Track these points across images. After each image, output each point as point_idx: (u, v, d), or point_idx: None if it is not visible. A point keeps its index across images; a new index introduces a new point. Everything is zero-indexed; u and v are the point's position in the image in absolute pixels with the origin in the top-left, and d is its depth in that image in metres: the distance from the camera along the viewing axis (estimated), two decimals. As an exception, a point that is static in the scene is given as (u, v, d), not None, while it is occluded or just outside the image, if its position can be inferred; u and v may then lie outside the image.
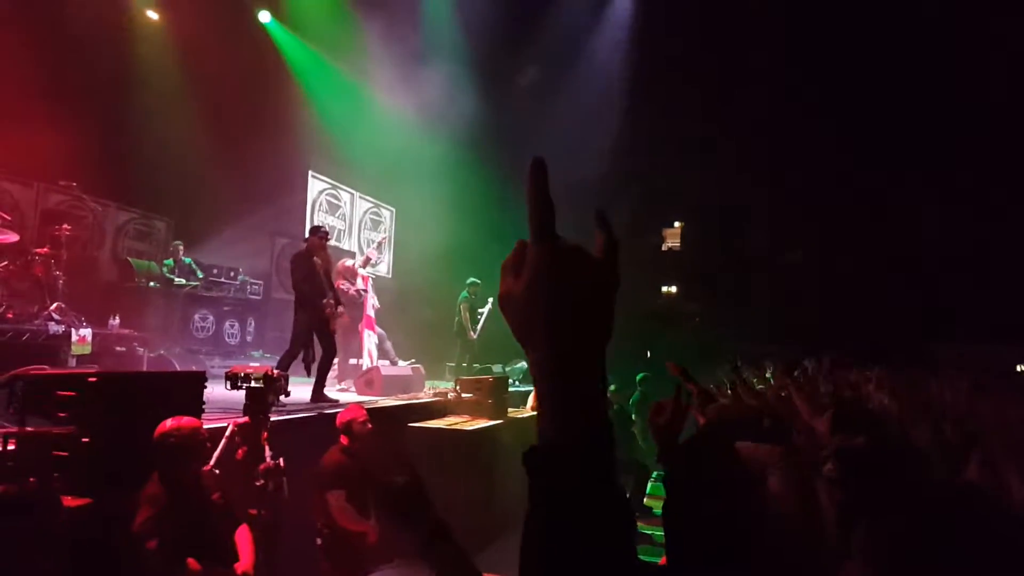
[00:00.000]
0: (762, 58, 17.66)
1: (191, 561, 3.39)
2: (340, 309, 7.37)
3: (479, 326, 11.48)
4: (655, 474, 7.29)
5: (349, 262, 9.86)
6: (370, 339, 9.45)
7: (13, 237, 7.52)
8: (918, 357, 12.80)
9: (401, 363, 9.77)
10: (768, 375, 7.34)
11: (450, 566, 1.44)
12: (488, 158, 16.14)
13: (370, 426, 4.96)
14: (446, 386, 9.58)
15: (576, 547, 0.68)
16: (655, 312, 20.62)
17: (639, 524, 8.84)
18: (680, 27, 17.24)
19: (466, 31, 14.65)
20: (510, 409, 8.81)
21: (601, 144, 18.89)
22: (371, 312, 9.52)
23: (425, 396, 8.85)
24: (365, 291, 9.51)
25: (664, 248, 23.00)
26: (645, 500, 9.33)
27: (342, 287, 9.41)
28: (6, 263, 7.32)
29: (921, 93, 17.39)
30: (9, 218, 7.67)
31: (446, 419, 7.60)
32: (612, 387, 9.42)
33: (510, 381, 10.41)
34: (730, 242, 21.84)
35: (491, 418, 7.85)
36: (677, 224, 22.94)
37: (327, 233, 7.59)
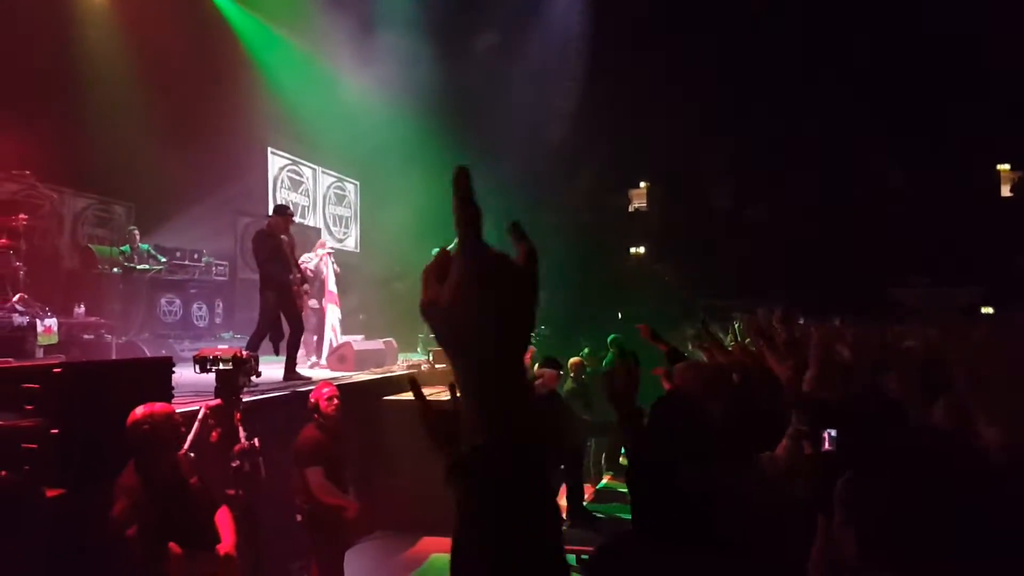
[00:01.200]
0: (722, 10, 17.65)
1: (173, 545, 3.41)
2: (305, 287, 7.34)
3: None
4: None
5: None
6: (333, 314, 9.44)
7: (-34, 231, 7.36)
8: (880, 305, 13.14)
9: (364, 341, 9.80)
10: (737, 328, 7.49)
11: (469, 494, 1.49)
12: (451, 125, 16.01)
13: (337, 402, 4.99)
14: (419, 358, 9.63)
15: (510, 545, 0.70)
16: (625, 273, 20.80)
17: (614, 483, 9.06)
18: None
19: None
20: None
21: (563, 107, 18.82)
22: (332, 288, 9.49)
23: (399, 369, 8.89)
24: (324, 265, 9.47)
25: (631, 209, 23.11)
26: (621, 459, 9.56)
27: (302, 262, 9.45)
28: (-39, 258, 7.16)
29: (881, 39, 17.55)
30: (-39, 212, 7.48)
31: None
32: (585, 350, 9.53)
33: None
34: (695, 200, 22.02)
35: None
36: (643, 184, 23.03)
37: (291, 212, 7.51)
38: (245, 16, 12.54)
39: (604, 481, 9.39)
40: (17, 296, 7.39)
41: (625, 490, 6.15)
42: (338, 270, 9.73)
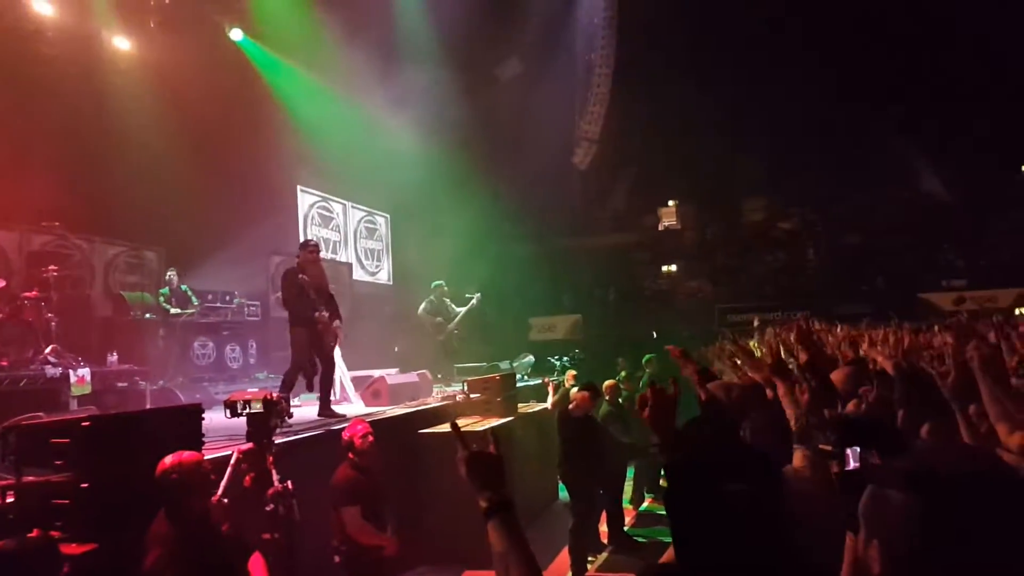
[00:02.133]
0: (748, 25, 17.53)
1: None
2: (337, 323, 7.24)
3: (456, 320, 11.52)
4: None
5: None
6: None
7: (1, 283, 7.43)
8: (911, 311, 12.76)
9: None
10: (760, 343, 7.22)
11: (508, 539, 1.54)
12: (478, 153, 16.07)
13: (372, 439, 4.89)
14: (454, 389, 9.49)
15: None
16: (658, 292, 20.55)
17: (655, 506, 8.79)
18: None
19: (440, 27, 14.50)
20: (520, 405, 8.72)
21: (590, 130, 18.81)
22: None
23: (433, 401, 8.76)
24: None
25: (661, 228, 22.90)
26: (662, 482, 9.28)
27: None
28: (-4, 311, 7.22)
29: (919, 45, 17.25)
30: (-6, 265, 7.57)
31: (457, 422, 7.48)
32: (622, 373, 9.32)
33: (518, 376, 10.32)
34: (726, 216, 21.77)
35: (501, 416, 7.77)
36: (672, 203, 22.84)
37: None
38: (270, 58, 12.72)
39: (645, 504, 9.13)
40: (49, 348, 7.44)
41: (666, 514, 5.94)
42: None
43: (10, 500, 3.64)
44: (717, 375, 3.46)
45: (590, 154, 19.33)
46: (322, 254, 7.66)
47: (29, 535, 2.97)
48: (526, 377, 12.28)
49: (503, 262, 16.81)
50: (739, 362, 3.71)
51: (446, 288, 11.90)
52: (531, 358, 13.56)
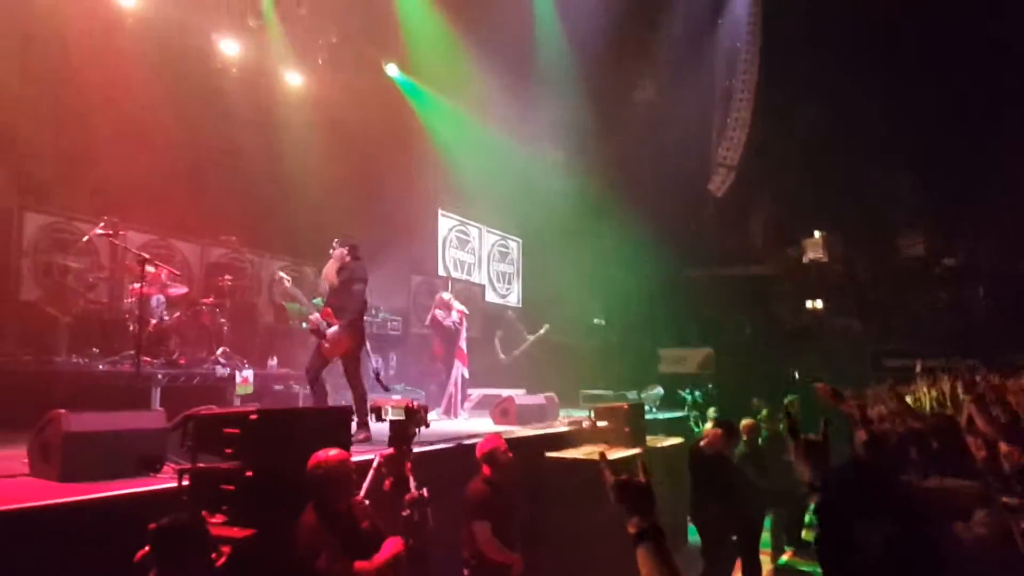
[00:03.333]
0: (898, 42, 16.57)
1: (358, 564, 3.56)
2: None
3: (525, 345, 11.49)
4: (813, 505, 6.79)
5: (446, 295, 10.19)
6: (457, 369, 9.62)
7: (183, 290, 8.37)
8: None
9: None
10: (927, 391, 6.77)
11: (658, 564, 1.53)
12: (610, 180, 16.15)
13: (511, 455, 5.00)
14: (581, 414, 9.55)
15: None
16: (800, 329, 19.58)
17: (796, 560, 8.31)
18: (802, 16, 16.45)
19: (577, 56, 14.79)
20: (648, 437, 8.61)
21: (728, 156, 18.36)
22: (463, 345, 9.69)
23: (560, 425, 8.85)
24: (459, 324, 9.73)
25: (805, 261, 21.86)
26: (803, 533, 8.79)
27: (438, 317, 9.74)
28: (178, 314, 8.13)
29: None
30: (179, 273, 8.53)
31: (582, 448, 7.55)
32: (763, 412, 8.99)
33: (646, 408, 10.21)
34: (879, 248, 20.41)
35: (628, 447, 7.70)
36: (817, 234, 21.75)
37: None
38: (420, 91, 13.53)
39: (785, 558, 8.58)
40: (221, 350, 8.25)
41: (808, 569, 5.60)
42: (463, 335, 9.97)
43: (185, 483, 4.10)
44: (873, 420, 3.37)
45: (728, 181, 18.86)
46: (454, 275, 7.91)
47: (180, 517, 3.29)
48: (655, 409, 12.11)
49: (632, 290, 16.70)
50: (893, 409, 3.55)
51: (511, 314, 11.98)
52: (660, 390, 13.36)
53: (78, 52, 8.57)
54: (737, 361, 17.00)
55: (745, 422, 7.73)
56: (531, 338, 11.75)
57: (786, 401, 9.62)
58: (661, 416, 11.18)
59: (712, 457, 6.54)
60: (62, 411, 4.44)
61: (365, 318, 10.92)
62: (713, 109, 18.32)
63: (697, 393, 12.33)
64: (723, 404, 11.47)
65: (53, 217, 8.30)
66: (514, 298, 17.58)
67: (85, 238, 7.88)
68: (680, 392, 12.82)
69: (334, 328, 6.90)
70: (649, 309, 17.05)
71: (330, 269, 7.17)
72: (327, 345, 6.88)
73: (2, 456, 5.04)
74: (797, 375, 15.33)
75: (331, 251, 7.22)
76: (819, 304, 20.67)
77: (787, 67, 17.23)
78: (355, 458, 4.08)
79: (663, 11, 15.91)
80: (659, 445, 8.61)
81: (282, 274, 7.45)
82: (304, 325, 9.95)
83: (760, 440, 7.79)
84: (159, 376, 7.26)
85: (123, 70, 9.00)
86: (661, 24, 16.16)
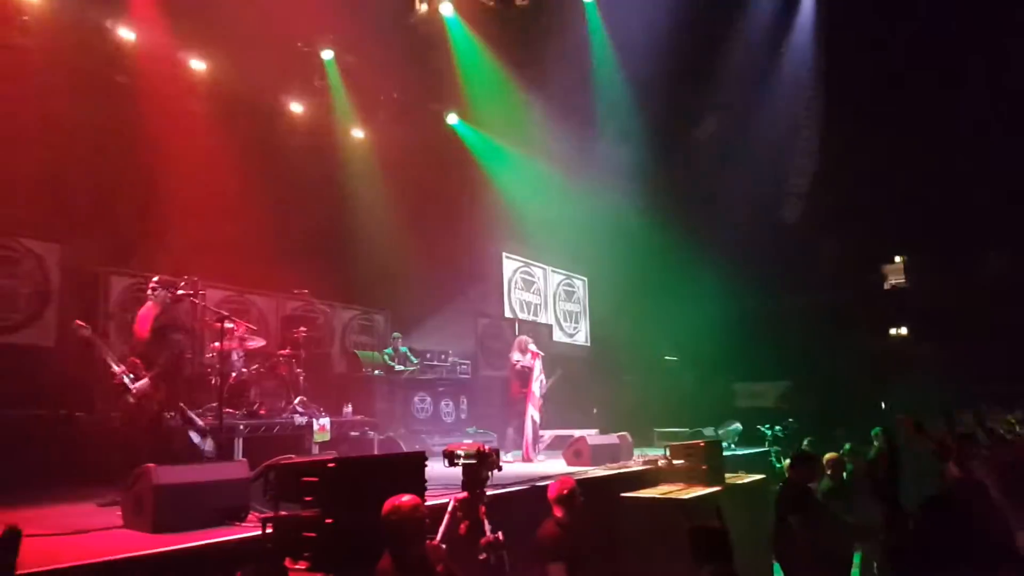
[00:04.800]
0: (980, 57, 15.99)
1: None
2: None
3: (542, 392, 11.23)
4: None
5: (524, 337, 10.29)
6: (529, 411, 9.58)
7: (261, 343, 8.68)
8: None
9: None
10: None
11: None
12: (675, 215, 16.03)
13: (578, 497, 4.96)
14: (656, 453, 9.38)
15: None
16: (884, 358, 18.75)
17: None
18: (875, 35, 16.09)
19: (637, 93, 14.86)
20: (728, 475, 8.38)
21: (799, 183, 17.99)
22: (536, 388, 9.66)
23: (635, 464, 8.72)
24: (530, 368, 9.71)
25: (887, 287, 21.02)
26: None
27: (514, 360, 9.80)
28: (257, 366, 8.42)
29: None
30: (256, 327, 8.87)
31: (659, 488, 7.40)
32: (847, 446, 8.67)
33: (724, 444, 9.96)
34: (965, 272, 19.47)
35: (707, 485, 7.50)
36: (898, 259, 20.93)
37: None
38: (480, 137, 13.86)
39: (874, 597, 8.19)
40: (298, 399, 8.49)
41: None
42: (543, 379, 9.93)
43: (269, 531, 4.21)
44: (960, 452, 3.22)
45: (799, 209, 18.46)
46: (521, 316, 7.90)
47: (263, 565, 3.37)
48: (733, 445, 11.79)
49: (703, 324, 16.39)
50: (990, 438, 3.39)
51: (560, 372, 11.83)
52: (738, 425, 12.99)
53: (154, 119, 9.12)
54: (818, 393, 16.41)
55: (829, 456, 7.48)
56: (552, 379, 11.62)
57: (873, 433, 9.25)
58: (740, 452, 10.87)
59: (797, 493, 6.32)
60: (151, 465, 4.65)
61: (434, 363, 11.24)
62: (779, 137, 18.07)
63: (777, 428, 11.92)
64: (805, 438, 11.06)
65: (135, 278, 8.74)
66: (582, 337, 17.50)
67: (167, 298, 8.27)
68: (759, 427, 12.42)
69: (143, 381, 6.05)
70: (723, 343, 16.67)
71: (146, 314, 6.29)
72: (132, 401, 6.01)
73: (99, 510, 5.29)
74: (883, 405, 14.65)
75: (149, 293, 6.36)
76: (903, 331, 19.80)
77: (856, 88, 16.87)
78: (429, 503, 4.12)
79: (723, 45, 15.88)
80: (739, 482, 8.39)
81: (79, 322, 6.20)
82: (377, 372, 10.20)
83: (845, 474, 7.50)
84: (241, 427, 7.51)
85: (197, 133, 9.59)
86: (721, 57, 16.12)
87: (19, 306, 7.85)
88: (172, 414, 6.45)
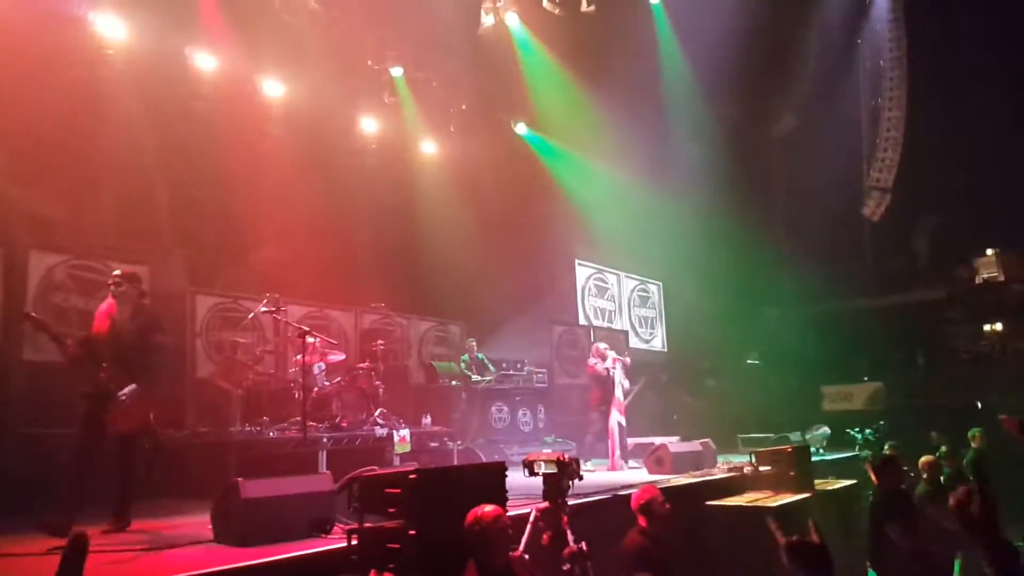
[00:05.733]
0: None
1: None
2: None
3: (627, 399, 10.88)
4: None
5: (602, 345, 10.10)
6: (614, 418, 9.40)
7: (341, 357, 8.88)
8: None
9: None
10: None
11: None
12: (752, 215, 15.62)
13: (668, 506, 4.87)
14: (741, 460, 9.10)
15: None
16: (979, 355, 17.72)
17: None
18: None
19: (709, 94, 14.58)
20: (817, 480, 8.07)
21: (880, 178, 17.24)
22: (619, 394, 9.49)
23: (719, 472, 8.48)
24: (611, 371, 9.55)
25: (978, 281, 19.89)
26: None
27: (593, 366, 9.70)
28: (338, 379, 8.62)
29: None
30: (336, 342, 9.08)
31: (745, 495, 7.18)
32: (942, 449, 8.24)
33: (812, 449, 9.60)
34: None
35: (795, 492, 7.24)
36: (990, 251, 19.78)
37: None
38: (549, 145, 13.87)
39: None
40: (378, 411, 8.63)
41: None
42: (626, 385, 9.74)
43: (354, 543, 4.26)
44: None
45: (883, 204, 17.67)
46: (595, 323, 7.79)
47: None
48: (821, 450, 11.35)
49: (785, 325, 15.87)
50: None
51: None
52: (826, 429, 12.50)
53: (233, 142, 9.48)
54: (910, 394, 15.63)
55: (924, 459, 7.19)
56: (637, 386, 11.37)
57: (969, 435, 8.77)
58: (829, 457, 10.45)
59: (890, 498, 6.04)
60: (240, 479, 4.78)
61: (511, 372, 11.24)
62: (860, 132, 17.41)
63: (868, 431, 11.41)
64: (897, 441, 10.56)
65: (221, 298, 9.13)
66: (658, 342, 17.22)
67: (251, 315, 8.60)
68: (848, 431, 11.92)
69: (132, 388, 5.20)
70: (808, 345, 16.10)
71: (120, 315, 5.42)
72: (115, 409, 5.18)
73: (189, 523, 5.47)
74: (979, 405, 13.82)
75: (112, 288, 5.49)
76: (998, 327, 18.65)
77: (940, 78, 16.08)
78: (511, 513, 4.09)
79: (795, 39, 15.41)
80: (830, 488, 8.06)
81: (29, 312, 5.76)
82: (454, 383, 10.28)
83: (943, 478, 7.13)
84: (324, 440, 7.68)
85: (274, 155, 9.94)
86: (794, 52, 15.64)
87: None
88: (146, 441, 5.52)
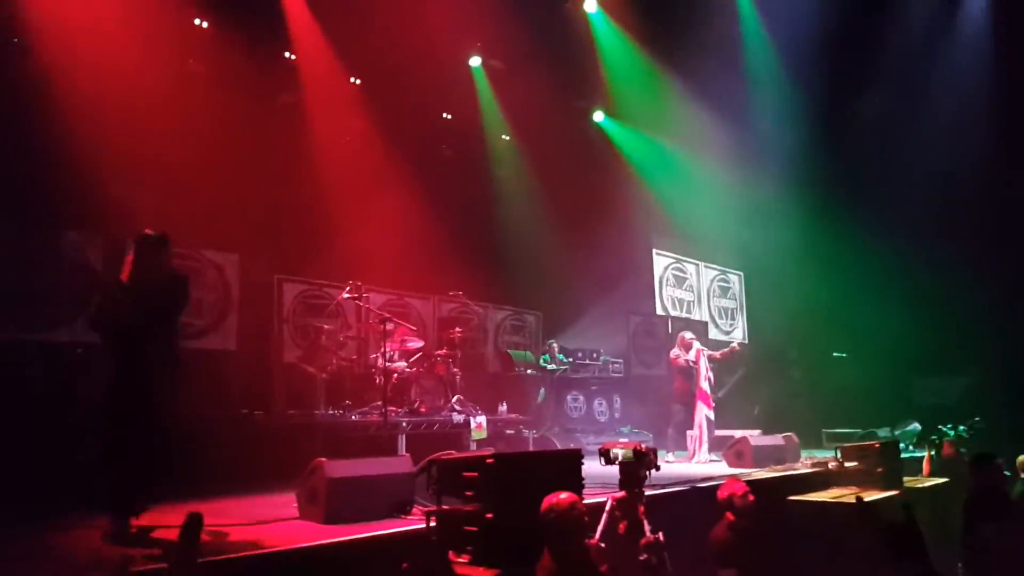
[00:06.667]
0: None
1: None
2: None
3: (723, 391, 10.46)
4: None
5: (688, 335, 9.88)
6: (702, 411, 9.19)
7: (420, 343, 9.07)
8: None
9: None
10: None
11: None
12: (839, 200, 14.98)
13: (752, 498, 4.78)
14: (825, 455, 8.81)
15: None
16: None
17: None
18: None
19: (793, 76, 14.02)
20: (907, 478, 7.74)
21: (981, 154, 16.17)
22: (704, 385, 9.27)
23: (802, 467, 8.25)
24: (695, 363, 9.36)
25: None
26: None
27: (675, 357, 9.59)
28: (416, 366, 8.80)
29: None
30: (415, 328, 9.27)
31: (830, 491, 6.96)
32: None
33: (901, 446, 9.20)
34: None
35: (883, 489, 6.97)
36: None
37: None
38: (627, 132, 13.70)
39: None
40: (456, 398, 8.78)
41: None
42: (711, 376, 9.53)
43: (432, 524, 4.36)
44: None
45: (980, 181, 16.57)
46: (673, 313, 7.66)
47: (428, 557, 3.45)
48: (911, 447, 10.86)
49: (875, 315, 15.15)
50: None
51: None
52: (917, 425, 11.96)
53: (319, 135, 9.79)
54: (1009, 388, 14.70)
55: (1022, 458, 6.72)
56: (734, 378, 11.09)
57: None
58: (919, 454, 9.97)
59: (987, 498, 5.74)
60: (324, 459, 4.96)
61: (586, 362, 11.21)
62: (954, 108, 16.37)
63: (961, 428, 10.81)
64: (995, 438, 9.97)
65: (306, 285, 9.45)
66: (739, 334, 16.79)
67: (335, 302, 8.85)
68: (940, 427, 11.32)
69: None
70: (899, 335, 15.34)
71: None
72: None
73: (276, 501, 5.71)
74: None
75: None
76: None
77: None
78: (586, 501, 4.10)
79: (884, 10, 14.61)
80: (920, 486, 7.71)
81: None
82: (530, 371, 10.34)
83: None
84: (404, 424, 7.87)
85: (357, 146, 10.18)
86: (884, 25, 14.82)
87: (204, 313, 8.62)
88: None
